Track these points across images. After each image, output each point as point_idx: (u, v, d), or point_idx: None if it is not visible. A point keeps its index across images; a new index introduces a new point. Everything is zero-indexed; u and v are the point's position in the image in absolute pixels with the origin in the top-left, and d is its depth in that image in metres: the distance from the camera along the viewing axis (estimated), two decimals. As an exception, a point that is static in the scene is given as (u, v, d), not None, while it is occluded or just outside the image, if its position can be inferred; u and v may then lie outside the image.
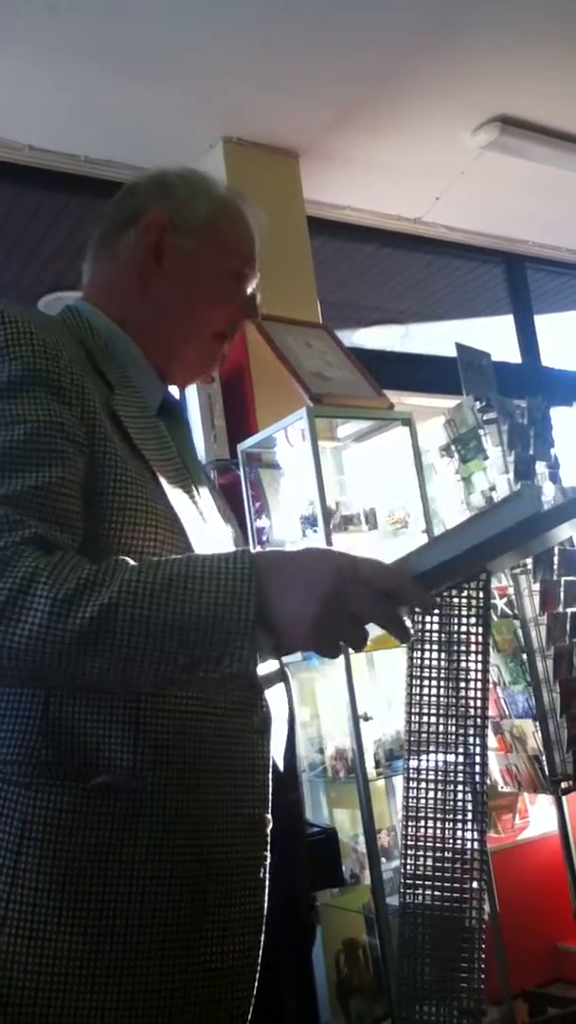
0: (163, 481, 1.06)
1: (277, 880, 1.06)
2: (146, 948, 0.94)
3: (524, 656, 2.92)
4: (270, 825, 1.04)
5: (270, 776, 1.05)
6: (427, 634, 1.02)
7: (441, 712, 1.01)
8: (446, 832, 1.00)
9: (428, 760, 1.01)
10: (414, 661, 1.02)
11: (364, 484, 3.13)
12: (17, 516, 0.91)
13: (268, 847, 1.03)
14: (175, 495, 1.07)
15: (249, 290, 1.25)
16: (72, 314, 1.16)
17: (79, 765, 0.96)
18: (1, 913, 0.93)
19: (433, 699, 1.01)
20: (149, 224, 1.18)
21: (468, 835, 0.99)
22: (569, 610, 3.02)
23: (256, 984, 1.00)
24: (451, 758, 1.01)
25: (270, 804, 1.04)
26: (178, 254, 1.18)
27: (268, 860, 1.03)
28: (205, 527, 1.13)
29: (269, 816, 1.04)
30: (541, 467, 3.15)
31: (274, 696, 1.12)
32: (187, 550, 1.03)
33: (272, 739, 1.07)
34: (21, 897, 0.93)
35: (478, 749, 0.99)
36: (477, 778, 0.99)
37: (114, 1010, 0.92)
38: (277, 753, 1.12)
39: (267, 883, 1.02)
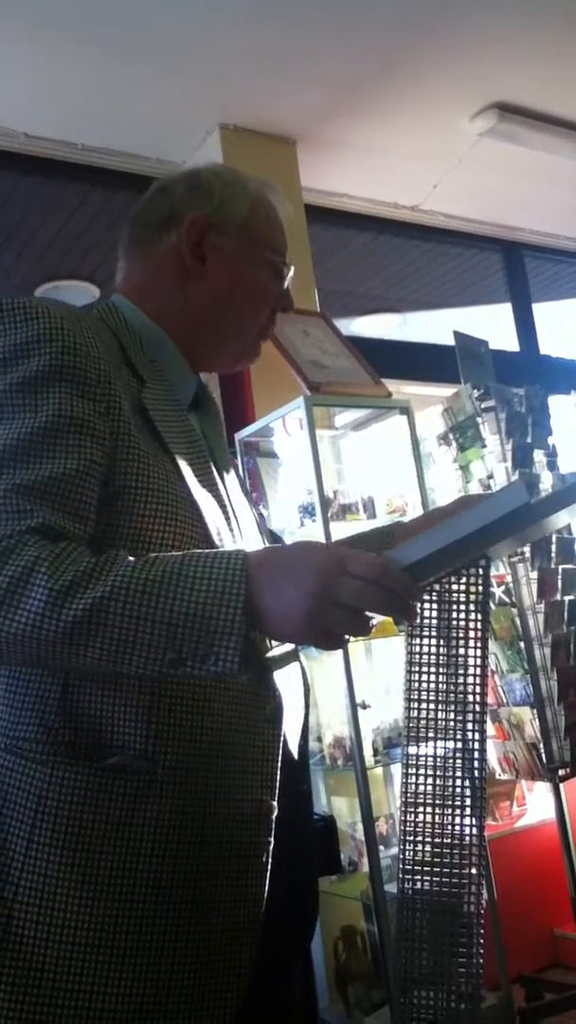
0: (187, 475, 1.08)
1: (286, 867, 1.09)
2: (150, 920, 0.98)
3: (522, 644, 2.93)
4: (275, 812, 1.06)
5: (278, 764, 1.07)
6: (426, 622, 1.02)
7: (440, 700, 1.01)
8: (444, 820, 1.00)
9: (427, 748, 1.02)
10: (413, 649, 1.02)
11: (362, 473, 3.13)
12: (27, 505, 0.93)
13: (272, 833, 1.05)
14: (199, 490, 1.08)
15: (286, 282, 1.27)
16: (108, 308, 1.18)
17: (94, 745, 1.00)
18: (15, 883, 0.97)
19: (432, 687, 1.01)
20: (191, 225, 1.20)
21: (466, 823, 0.99)
22: (567, 598, 3.02)
23: (257, 958, 1.03)
24: (450, 746, 1.01)
25: (277, 792, 1.06)
26: (220, 254, 1.20)
27: (271, 845, 1.05)
28: (230, 521, 1.14)
29: (275, 803, 1.06)
30: (539, 455, 3.15)
31: (288, 683, 1.14)
32: (208, 546, 1.05)
33: (282, 728, 1.09)
34: (34, 868, 0.97)
35: (477, 737, 1.00)
36: (476, 766, 1.00)
37: (120, 976, 0.96)
38: (292, 741, 1.14)
39: (269, 867, 1.05)
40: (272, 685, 1.09)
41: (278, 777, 1.06)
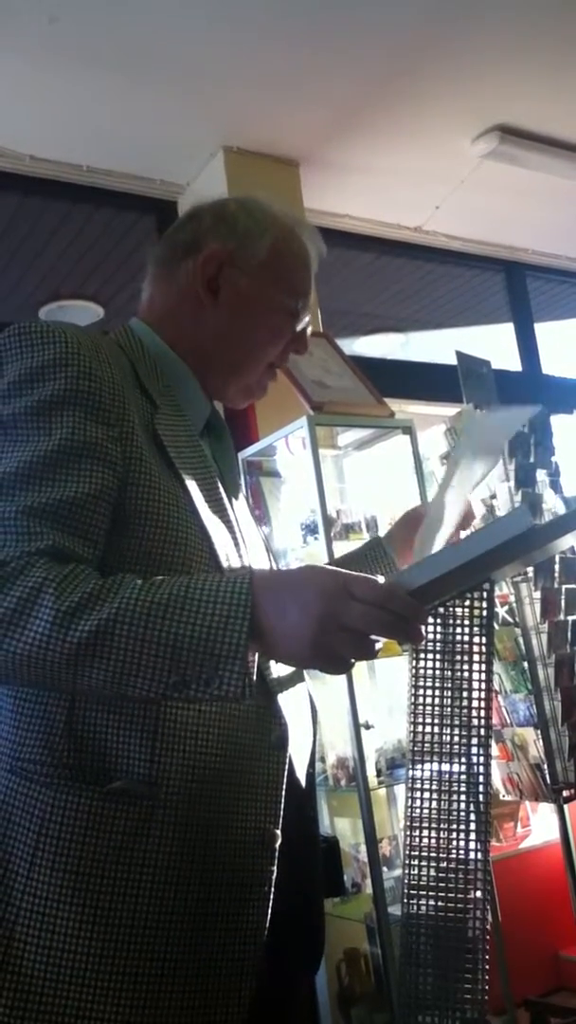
0: (198, 500, 1.08)
1: (292, 893, 1.08)
2: (150, 947, 0.97)
3: (525, 664, 2.92)
4: (279, 840, 1.05)
5: (283, 791, 1.06)
6: (430, 642, 1.02)
7: (444, 721, 1.01)
8: (448, 841, 0.99)
9: (430, 769, 1.01)
10: (416, 670, 1.02)
11: (365, 492, 3.13)
12: (37, 527, 0.94)
13: (275, 862, 1.04)
14: (209, 515, 1.09)
15: (300, 325, 1.27)
16: (125, 332, 1.20)
17: (98, 769, 1.00)
18: (16, 904, 0.97)
19: (435, 708, 1.01)
20: (209, 258, 1.19)
21: (471, 844, 0.99)
22: (570, 618, 3.01)
23: (255, 991, 1.01)
24: (454, 767, 1.00)
25: (281, 819, 1.05)
26: (235, 289, 1.20)
27: (274, 875, 1.04)
28: (239, 547, 1.14)
29: (279, 832, 1.05)
30: (542, 475, 3.15)
31: (296, 707, 1.13)
32: (217, 571, 1.06)
33: (288, 754, 1.08)
34: (35, 890, 0.97)
35: (481, 759, 0.99)
36: (480, 788, 0.99)
37: (118, 1003, 0.95)
38: (299, 767, 1.14)
39: (271, 897, 1.04)
40: (278, 710, 1.09)
41: (282, 804, 1.06)
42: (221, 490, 1.16)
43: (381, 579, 0.90)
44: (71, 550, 0.95)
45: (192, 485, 1.09)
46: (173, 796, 0.99)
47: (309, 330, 1.30)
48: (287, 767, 1.08)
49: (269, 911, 1.03)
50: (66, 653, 0.88)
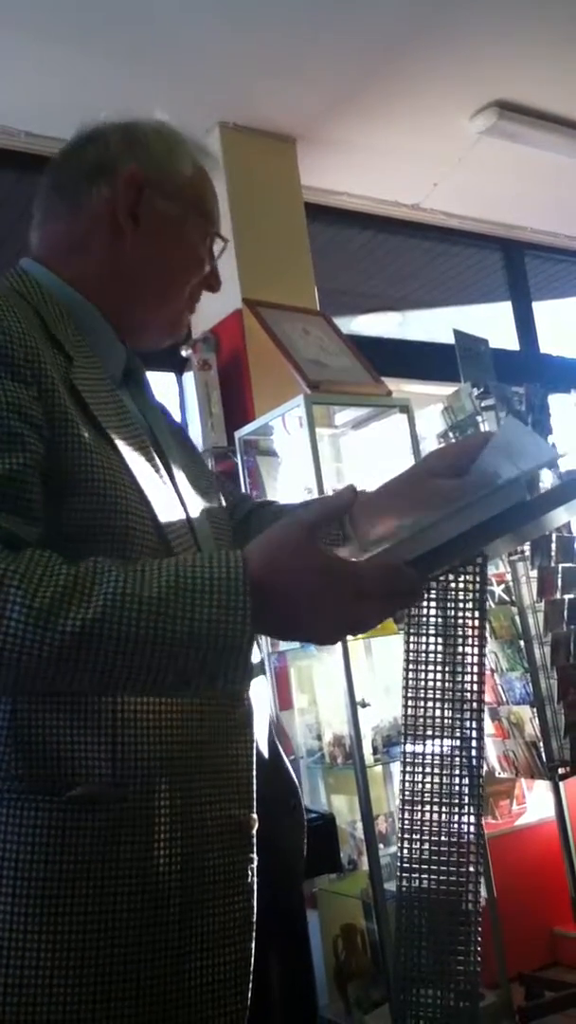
0: (128, 457, 0.99)
1: (271, 871, 1.04)
2: (133, 969, 0.89)
3: (522, 643, 2.93)
4: (256, 826, 1.00)
5: (253, 772, 1.01)
6: (424, 620, 1.02)
7: (439, 698, 1.01)
8: (443, 817, 1.00)
9: (425, 746, 1.02)
10: (411, 648, 1.02)
11: (362, 471, 3.13)
12: None
13: (254, 850, 0.99)
14: (142, 471, 1.00)
15: (217, 257, 1.19)
16: (21, 278, 1.07)
17: (53, 777, 0.90)
18: None
19: (431, 685, 1.01)
20: (128, 180, 1.09)
21: (465, 820, 0.99)
22: (567, 597, 3.02)
23: (250, 989, 0.97)
24: (448, 744, 1.01)
25: (254, 802, 1.00)
26: (156, 214, 1.10)
27: (255, 863, 0.99)
28: (177, 503, 1.07)
29: (255, 816, 1.00)
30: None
31: (255, 686, 1.08)
32: (158, 532, 0.99)
33: (255, 732, 1.04)
34: None
35: (475, 734, 1.00)
36: (474, 763, 1.00)
37: None
38: (263, 742, 1.10)
39: (255, 886, 0.99)
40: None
41: (254, 786, 1.01)
42: (151, 448, 1.06)
43: (380, 562, 0.89)
44: (14, 533, 0.86)
45: (122, 445, 0.99)
46: (140, 794, 0.91)
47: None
48: (254, 746, 1.03)
49: (255, 901, 0.98)
50: (45, 657, 0.78)
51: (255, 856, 0.99)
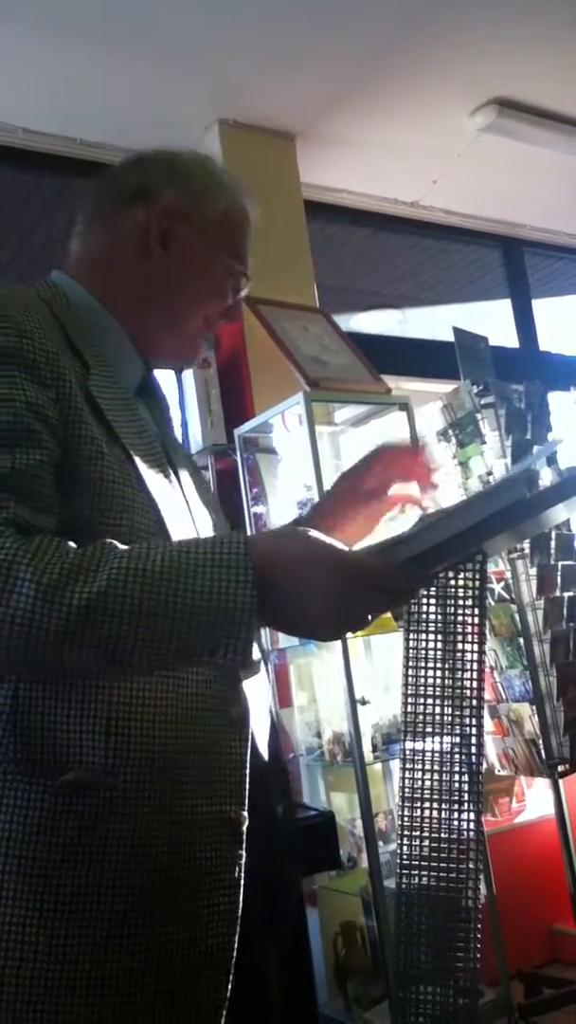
0: (141, 465, 1.04)
1: (263, 870, 1.05)
2: (115, 948, 0.92)
3: (521, 640, 2.93)
4: (246, 823, 1.01)
5: (247, 771, 1.03)
6: (424, 618, 1.02)
7: (438, 695, 1.01)
8: (443, 815, 1.00)
9: (425, 744, 1.02)
10: (411, 645, 1.02)
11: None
12: None
13: (243, 846, 1.00)
14: (153, 479, 1.05)
15: (242, 293, 1.24)
16: (49, 287, 1.13)
17: (49, 761, 0.94)
18: None
19: (430, 683, 1.01)
20: (164, 208, 1.15)
21: (464, 817, 0.99)
22: (566, 594, 3.02)
23: (231, 978, 0.98)
24: (448, 742, 1.01)
25: (246, 799, 1.02)
26: (185, 244, 1.16)
27: (243, 859, 1.00)
28: (185, 512, 1.11)
29: (245, 814, 1.01)
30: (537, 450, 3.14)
31: (255, 685, 1.10)
32: (165, 536, 1.02)
33: (251, 731, 1.05)
34: None
35: (474, 731, 1.00)
36: (473, 760, 1.00)
37: (87, 1007, 0.90)
38: (262, 743, 1.11)
39: (242, 881, 1.00)
40: (239, 685, 1.05)
41: (247, 784, 1.02)
42: (164, 455, 1.12)
43: (380, 559, 0.90)
44: (34, 519, 0.91)
45: (134, 450, 1.04)
46: (131, 783, 0.95)
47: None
48: (249, 744, 1.04)
49: (240, 896, 0.99)
50: (55, 631, 0.82)
51: (243, 852, 1.00)
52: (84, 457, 0.97)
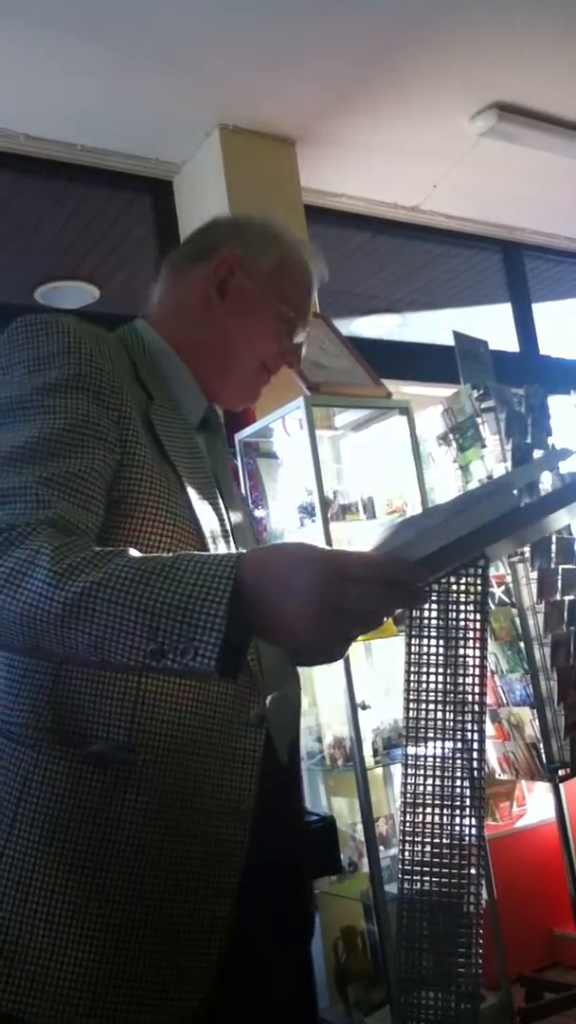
0: (190, 488, 1.14)
1: (276, 869, 1.12)
2: (121, 903, 1.02)
3: (522, 644, 2.93)
4: (251, 813, 1.08)
5: (258, 768, 1.09)
6: (425, 622, 1.02)
7: (439, 700, 1.01)
8: (444, 820, 1.00)
9: (426, 748, 1.02)
10: (412, 650, 1.02)
11: (362, 473, 3.13)
12: (46, 496, 0.99)
13: (248, 833, 1.08)
14: (201, 506, 1.14)
15: (297, 339, 1.35)
16: (129, 331, 1.29)
17: (79, 733, 1.05)
18: None
19: (431, 687, 1.01)
20: (220, 262, 1.30)
21: (466, 822, 0.99)
22: (566, 598, 3.02)
23: (225, 946, 1.05)
24: (449, 746, 1.01)
25: (255, 794, 1.08)
26: (241, 292, 1.30)
27: (246, 845, 1.08)
28: (228, 540, 1.18)
29: (252, 805, 1.08)
30: (539, 455, 3.15)
31: (279, 688, 1.16)
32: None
33: (266, 732, 1.11)
34: (16, 844, 1.04)
35: (476, 737, 1.00)
36: (475, 765, 1.00)
37: (90, 950, 1.00)
38: (282, 746, 1.17)
39: (242, 865, 1.07)
40: (260, 689, 1.11)
41: (256, 780, 1.09)
42: (215, 485, 1.21)
43: (371, 553, 0.90)
44: (74, 520, 1.00)
45: (185, 474, 1.14)
46: (149, 762, 1.05)
47: (304, 350, 1.39)
48: (264, 744, 1.10)
49: (239, 877, 1.07)
50: (55, 612, 0.89)
51: (246, 839, 1.08)
52: (135, 476, 1.09)
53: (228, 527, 1.20)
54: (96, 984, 0.99)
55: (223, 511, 1.20)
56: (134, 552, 0.94)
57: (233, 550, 1.17)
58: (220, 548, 1.14)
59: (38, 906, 1.01)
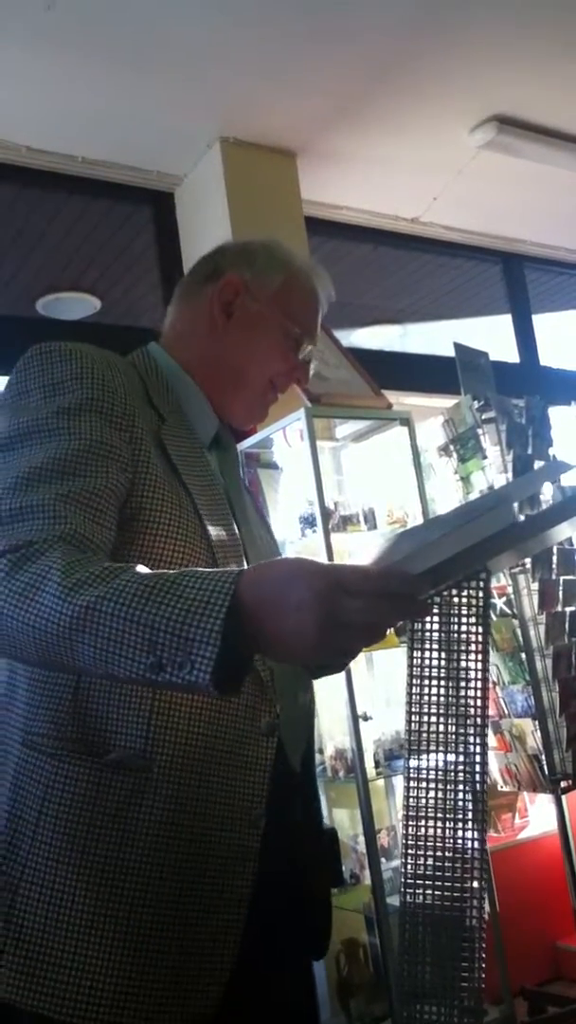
0: (201, 506, 1.17)
1: (291, 876, 1.17)
2: (139, 906, 1.06)
3: (523, 655, 2.93)
4: (263, 820, 1.12)
5: (270, 776, 1.13)
6: (427, 634, 1.02)
7: (441, 712, 1.01)
8: (446, 831, 1.00)
9: (428, 760, 1.01)
10: (414, 661, 1.02)
11: (363, 484, 3.14)
12: (63, 511, 1.03)
13: (259, 840, 1.12)
14: (213, 524, 1.17)
15: (303, 356, 1.38)
16: (142, 354, 1.34)
17: (98, 743, 1.10)
18: (22, 863, 1.08)
19: (433, 699, 1.01)
20: (226, 285, 1.34)
21: (468, 835, 0.99)
22: (568, 609, 3.02)
23: (237, 949, 1.08)
24: (451, 758, 1.01)
25: (266, 801, 1.12)
26: (247, 313, 1.34)
27: (257, 851, 1.11)
28: (238, 546, 1.20)
29: (264, 812, 1.12)
30: (539, 466, 3.15)
31: (292, 697, 1.20)
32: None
33: (277, 741, 1.15)
34: (39, 850, 1.08)
35: (478, 749, 0.99)
36: (477, 778, 0.99)
37: (108, 955, 1.04)
38: (294, 754, 1.21)
39: (255, 872, 1.11)
40: (271, 698, 1.15)
41: (268, 788, 1.13)
42: (227, 503, 1.24)
43: (369, 566, 0.90)
44: (89, 535, 1.04)
45: (196, 492, 1.18)
46: (165, 770, 1.08)
47: (313, 367, 1.42)
48: (276, 753, 1.14)
49: (251, 882, 1.10)
50: (63, 625, 0.91)
51: (258, 845, 1.12)
52: (147, 496, 1.13)
53: (240, 543, 1.22)
54: (116, 985, 1.03)
55: (235, 528, 1.22)
56: (142, 568, 0.95)
57: (245, 567, 1.16)
58: (231, 565, 1.15)
59: (60, 907, 1.05)
